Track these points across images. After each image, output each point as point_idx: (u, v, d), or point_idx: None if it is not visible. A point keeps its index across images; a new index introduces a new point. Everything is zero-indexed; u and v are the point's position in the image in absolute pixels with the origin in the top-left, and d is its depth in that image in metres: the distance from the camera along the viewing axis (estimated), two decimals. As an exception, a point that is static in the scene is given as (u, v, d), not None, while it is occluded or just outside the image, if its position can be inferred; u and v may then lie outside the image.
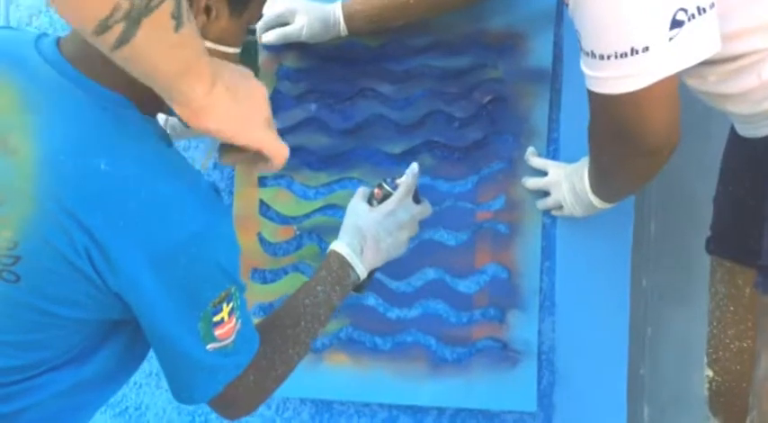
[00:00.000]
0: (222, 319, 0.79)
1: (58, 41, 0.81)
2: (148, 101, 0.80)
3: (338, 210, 1.25)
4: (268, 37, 1.18)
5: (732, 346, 1.04)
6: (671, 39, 0.76)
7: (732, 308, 1.06)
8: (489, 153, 1.21)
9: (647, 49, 0.77)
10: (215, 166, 1.30)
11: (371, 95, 1.23)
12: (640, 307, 1.34)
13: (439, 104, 1.21)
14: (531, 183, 1.17)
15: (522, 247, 1.20)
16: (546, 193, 1.16)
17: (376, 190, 1.02)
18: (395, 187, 1.02)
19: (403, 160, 1.22)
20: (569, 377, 1.20)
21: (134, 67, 0.71)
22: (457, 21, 1.19)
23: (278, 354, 0.88)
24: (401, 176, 1.02)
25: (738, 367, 1.08)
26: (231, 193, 1.28)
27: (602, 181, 1.04)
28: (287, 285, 1.24)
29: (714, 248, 1.13)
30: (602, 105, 0.85)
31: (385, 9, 1.14)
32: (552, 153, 1.19)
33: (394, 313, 1.24)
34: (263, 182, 1.27)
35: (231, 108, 0.77)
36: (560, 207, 1.14)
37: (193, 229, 0.75)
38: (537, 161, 1.17)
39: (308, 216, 1.25)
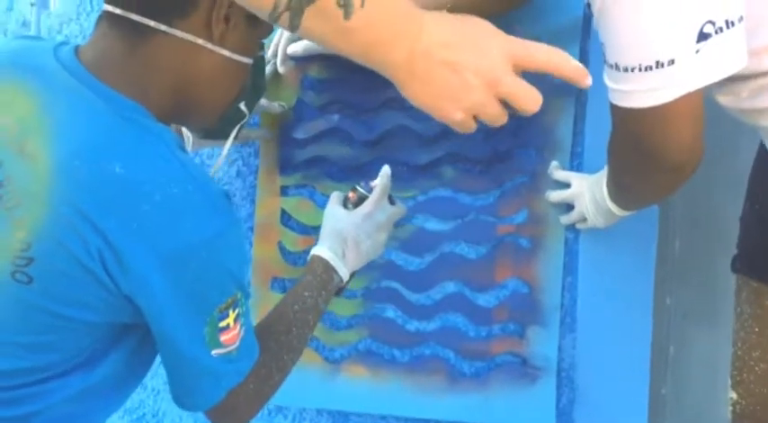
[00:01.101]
0: (228, 325, 0.80)
1: (76, 49, 0.83)
2: (164, 109, 0.82)
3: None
4: (294, 48, 1.19)
5: (757, 368, 1.02)
6: (697, 52, 0.75)
7: (758, 329, 1.04)
8: (512, 166, 1.20)
9: (672, 61, 0.75)
10: (237, 174, 1.31)
11: (395, 106, 1.23)
12: (663, 325, 1.32)
13: (462, 117, 1.20)
14: (555, 196, 1.16)
15: (544, 261, 1.19)
16: (570, 207, 1.15)
17: (350, 194, 1.04)
18: (369, 190, 1.03)
19: (425, 172, 1.22)
20: (589, 395, 1.18)
21: (326, 46, 0.69)
22: (482, 33, 1.18)
23: (274, 361, 0.88)
24: (373, 179, 1.04)
25: (763, 390, 1.06)
26: (253, 201, 1.29)
27: (621, 192, 1.02)
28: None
29: (740, 267, 1.11)
30: (625, 119, 0.84)
31: None
32: (576, 167, 1.18)
33: (413, 326, 1.23)
34: (284, 191, 1.27)
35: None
36: (584, 219, 1.13)
37: (205, 233, 0.76)
38: (560, 174, 1.16)
39: (328, 226, 1.25)
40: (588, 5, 0.82)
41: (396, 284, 1.23)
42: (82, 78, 0.79)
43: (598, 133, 1.16)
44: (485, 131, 1.19)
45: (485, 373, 1.20)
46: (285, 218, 1.27)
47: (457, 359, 1.21)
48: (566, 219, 1.16)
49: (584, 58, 1.17)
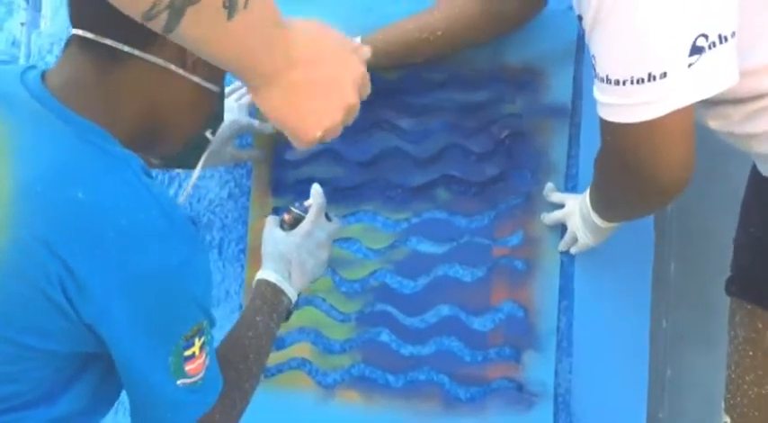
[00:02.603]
0: (193, 354, 0.78)
1: (44, 74, 0.82)
2: (131, 135, 0.81)
3: (353, 243, 1.24)
4: None
5: (750, 391, 1.01)
6: (690, 65, 0.73)
7: (751, 352, 1.02)
8: (507, 188, 1.19)
9: (664, 74, 0.74)
10: (229, 195, 1.30)
11: (388, 128, 1.22)
12: (660, 348, 1.31)
13: (456, 138, 1.20)
14: (549, 218, 1.15)
15: (540, 284, 1.17)
16: (566, 230, 1.14)
17: (286, 216, 1.04)
18: (305, 210, 1.04)
19: (419, 194, 1.21)
20: (587, 421, 1.17)
21: (194, 50, 0.70)
22: (475, 55, 1.18)
23: (236, 390, 0.87)
24: (307, 199, 1.05)
25: (756, 414, 1.04)
26: (245, 223, 1.27)
27: (605, 206, 1.02)
28: (299, 319, 1.22)
29: (735, 290, 1.10)
30: (614, 135, 0.82)
31: (404, 45, 1.14)
32: (571, 189, 1.17)
33: (407, 350, 1.21)
34: (277, 213, 1.26)
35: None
36: (576, 239, 1.12)
37: (170, 261, 0.74)
38: (556, 196, 1.15)
39: (321, 249, 1.24)
40: (580, 18, 0.81)
41: (390, 308, 1.22)
42: (47, 103, 0.78)
43: (592, 155, 1.15)
44: (479, 154, 1.20)
45: (480, 399, 1.18)
46: (278, 240, 1.25)
47: (452, 384, 1.19)
48: (562, 244, 1.15)
49: (577, 81, 1.17)
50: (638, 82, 0.75)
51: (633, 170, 0.83)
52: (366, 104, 1.21)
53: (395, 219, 1.23)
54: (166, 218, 0.75)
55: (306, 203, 1.05)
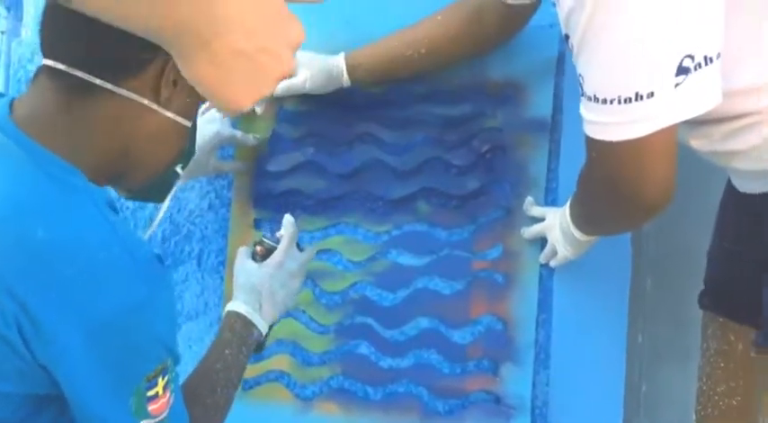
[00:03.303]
0: (156, 394, 0.76)
1: (11, 103, 0.80)
2: (98, 169, 0.79)
3: (333, 255, 1.24)
4: None
5: (721, 403, 1.02)
6: (677, 85, 0.75)
7: (723, 364, 1.04)
8: (487, 202, 1.20)
9: (651, 94, 0.75)
10: (209, 207, 1.30)
11: (370, 141, 1.23)
12: (636, 363, 1.32)
13: (437, 152, 1.21)
14: (529, 232, 1.16)
15: (519, 298, 1.18)
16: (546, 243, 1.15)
17: (257, 247, 1.04)
18: (276, 241, 1.04)
19: (400, 207, 1.22)
20: (564, 433, 1.18)
21: (102, 16, 0.63)
22: (458, 70, 1.19)
23: None
24: (278, 230, 1.04)
25: None
26: (225, 235, 1.27)
27: (587, 221, 1.03)
28: (281, 331, 1.21)
29: (707, 304, 1.12)
30: (600, 153, 0.83)
31: (388, 62, 1.15)
32: (551, 202, 1.18)
33: (386, 362, 1.21)
34: (258, 225, 1.26)
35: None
36: (556, 252, 1.13)
37: (133, 300, 0.72)
38: (536, 210, 1.16)
39: (302, 260, 1.24)
40: (566, 37, 0.82)
41: (369, 320, 1.22)
42: (11, 134, 0.76)
43: (572, 169, 1.16)
44: (460, 167, 1.21)
45: (458, 411, 1.18)
46: (258, 252, 1.25)
47: (430, 397, 1.19)
48: (542, 256, 1.16)
49: (557, 96, 1.19)
50: (625, 101, 0.76)
51: (617, 187, 0.84)
52: (348, 117, 1.24)
53: (375, 231, 1.23)
54: (129, 255, 0.74)
55: (278, 234, 1.05)
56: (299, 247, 1.06)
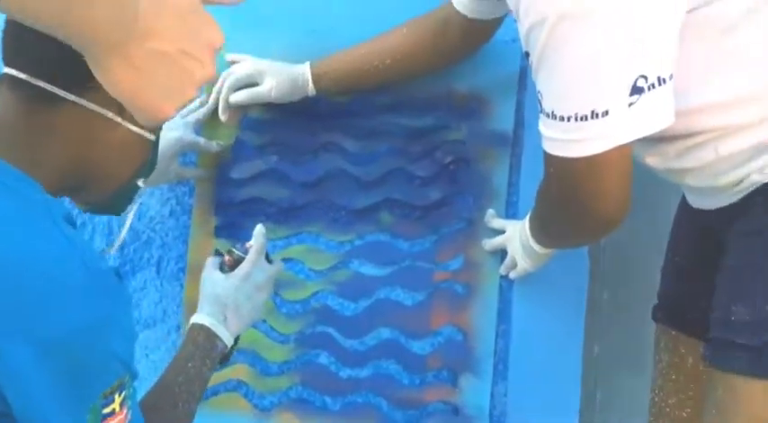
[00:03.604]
0: (113, 411, 0.74)
1: None
2: (56, 181, 0.77)
3: (295, 264, 1.23)
4: (237, 97, 1.18)
5: (672, 414, 1.05)
6: (630, 105, 0.77)
7: (674, 376, 1.06)
8: (449, 213, 1.21)
9: (606, 113, 0.77)
10: (170, 213, 1.28)
11: (334, 150, 1.23)
12: (592, 373, 1.34)
13: (401, 162, 1.22)
14: (490, 244, 1.18)
15: (479, 309, 1.19)
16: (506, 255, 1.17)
17: (226, 257, 1.03)
18: (245, 251, 1.02)
19: (363, 216, 1.22)
20: (521, 443, 1.19)
21: (16, 15, 0.62)
22: (422, 82, 1.20)
23: None
24: (249, 241, 1.03)
25: None
26: (185, 242, 1.26)
27: (545, 234, 1.05)
28: (240, 340, 1.20)
29: (660, 317, 1.15)
30: (557, 168, 0.85)
31: (353, 73, 1.16)
32: (511, 215, 1.20)
33: (346, 372, 1.21)
34: (218, 232, 1.25)
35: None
36: (516, 264, 1.14)
37: (89, 318, 0.70)
38: (497, 222, 1.18)
39: (263, 269, 1.23)
40: (526, 55, 0.84)
41: (330, 330, 1.22)
42: None
43: (533, 183, 1.18)
44: (423, 178, 1.22)
45: (417, 422, 1.19)
46: (219, 259, 1.24)
47: (389, 407, 1.20)
48: (502, 268, 1.17)
49: (519, 110, 1.20)
50: (581, 119, 0.78)
51: (573, 202, 0.86)
52: (313, 126, 1.23)
53: (338, 240, 1.23)
54: (85, 271, 0.71)
55: (247, 245, 1.03)
56: (269, 259, 1.05)
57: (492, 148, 1.20)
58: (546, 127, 0.83)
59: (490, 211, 1.19)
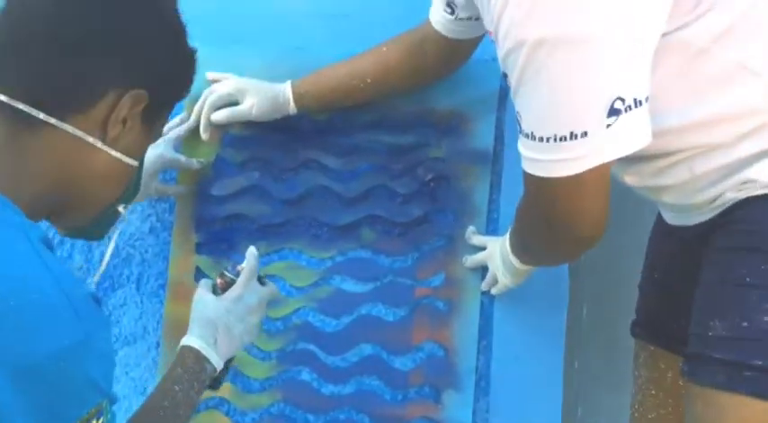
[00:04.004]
0: None
1: None
2: (35, 205, 0.77)
3: (277, 281, 1.23)
4: (218, 116, 1.18)
5: None
6: (608, 126, 0.78)
7: (654, 392, 1.07)
8: (430, 230, 1.22)
9: (585, 134, 0.78)
10: (150, 230, 1.28)
11: (316, 167, 1.24)
12: (572, 388, 1.35)
13: (382, 179, 1.22)
14: (471, 261, 1.19)
15: (460, 325, 1.20)
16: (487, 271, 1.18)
17: (218, 280, 1.02)
18: (237, 273, 1.01)
19: (344, 233, 1.23)
20: (503, 459, 1.19)
21: None
22: (403, 100, 1.22)
23: None
24: (241, 263, 1.02)
25: None
26: (165, 258, 1.25)
27: (524, 251, 1.06)
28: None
29: (639, 332, 1.16)
30: (537, 187, 0.86)
31: (334, 91, 1.17)
32: (492, 232, 1.21)
33: (328, 389, 1.21)
34: (199, 249, 1.24)
35: None
36: (496, 281, 1.15)
37: (65, 343, 0.69)
38: (477, 239, 1.19)
39: (244, 285, 1.23)
40: (505, 76, 0.85)
41: (312, 346, 1.22)
42: None
43: (513, 200, 1.19)
44: (404, 195, 1.22)
45: (399, 439, 1.19)
46: (199, 276, 1.23)
47: (372, 424, 1.20)
48: (483, 284, 1.18)
49: (499, 128, 1.22)
50: (560, 140, 0.79)
51: (552, 220, 0.87)
52: (294, 143, 1.24)
53: (319, 257, 1.23)
54: (62, 295, 0.70)
55: (239, 267, 1.02)
56: (261, 281, 1.04)
57: (472, 166, 1.21)
58: (525, 147, 0.84)
59: (470, 228, 1.19)
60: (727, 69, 0.84)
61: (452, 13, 1.07)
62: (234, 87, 1.18)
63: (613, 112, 0.78)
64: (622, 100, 0.78)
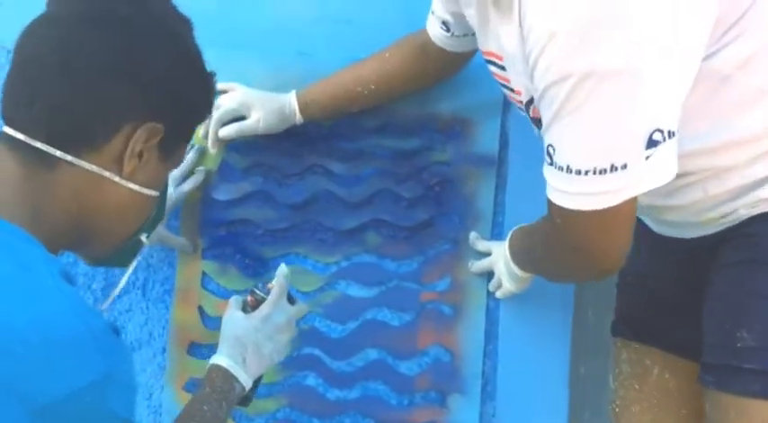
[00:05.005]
0: None
1: None
2: (56, 238, 0.77)
3: (282, 285, 1.23)
4: (225, 132, 1.18)
5: (634, 419, 1.05)
6: (647, 158, 0.78)
7: (637, 387, 1.08)
8: (435, 234, 1.22)
9: (625, 166, 0.78)
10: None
11: (320, 172, 1.24)
12: (578, 392, 1.34)
13: (387, 184, 1.22)
14: (477, 266, 1.19)
15: (466, 329, 1.20)
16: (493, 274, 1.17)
17: (249, 297, 1.02)
18: (267, 292, 1.01)
19: (349, 238, 1.23)
20: (510, 464, 1.19)
21: None
22: (408, 104, 1.22)
23: None
24: (272, 281, 1.02)
25: None
26: (172, 264, 1.25)
27: (539, 273, 1.06)
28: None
29: (623, 331, 1.15)
30: (566, 219, 0.85)
31: (339, 99, 1.17)
32: (497, 235, 1.21)
33: (333, 394, 1.21)
34: (205, 254, 1.24)
35: None
36: (501, 285, 1.15)
37: (87, 379, 0.70)
38: (482, 244, 1.19)
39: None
40: (527, 104, 0.84)
41: (317, 351, 1.21)
42: None
43: (518, 203, 1.21)
44: (409, 199, 1.22)
45: (406, 443, 1.19)
46: (206, 281, 1.23)
47: (378, 429, 1.19)
48: (491, 285, 1.18)
49: (504, 132, 1.22)
50: (600, 173, 0.79)
51: (580, 251, 0.87)
52: (299, 148, 1.24)
53: (325, 262, 1.23)
54: (85, 330, 0.71)
55: (269, 285, 1.02)
56: (291, 300, 1.03)
57: (477, 170, 1.21)
58: (557, 180, 0.83)
59: (473, 234, 1.20)
60: (748, 94, 0.85)
61: (448, 30, 1.08)
62: (239, 101, 1.18)
63: (652, 143, 0.78)
64: (661, 132, 0.78)
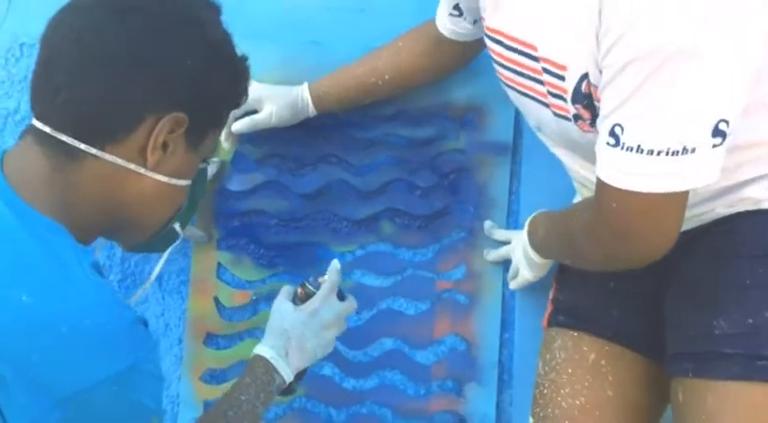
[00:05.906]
0: None
1: (3, 157, 0.79)
2: (88, 230, 0.78)
3: (296, 275, 1.23)
4: (238, 126, 1.18)
5: (564, 403, 1.04)
6: (714, 146, 0.78)
7: (570, 370, 1.06)
8: (450, 222, 1.21)
9: (694, 150, 0.77)
10: (171, 227, 1.28)
11: (334, 161, 1.23)
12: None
13: (401, 173, 1.22)
14: (494, 255, 1.18)
15: (482, 318, 1.20)
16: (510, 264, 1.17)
17: (299, 289, 1.01)
18: (318, 286, 1.00)
19: (364, 227, 1.22)
20: (527, 453, 1.18)
21: None
22: (421, 93, 1.21)
23: None
24: (324, 275, 1.01)
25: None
26: (187, 255, 1.25)
27: (571, 261, 1.04)
28: (241, 352, 1.20)
29: (564, 321, 1.12)
30: (624, 203, 0.83)
31: (353, 91, 1.16)
32: (512, 224, 1.21)
33: (350, 383, 1.21)
34: (220, 244, 1.25)
35: None
36: (517, 274, 1.14)
37: (115, 368, 0.71)
38: (499, 233, 1.18)
39: (264, 281, 1.23)
40: (584, 77, 0.82)
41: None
42: (2, 192, 0.75)
43: (533, 192, 1.20)
44: (423, 188, 1.22)
45: (422, 433, 1.19)
46: (221, 271, 1.24)
47: (395, 418, 1.20)
48: (509, 277, 1.17)
49: (518, 120, 1.21)
50: (673, 153, 0.78)
51: (625, 237, 0.85)
52: (313, 138, 1.24)
53: (340, 251, 1.23)
54: (113, 321, 0.72)
55: (320, 279, 1.01)
56: (341, 296, 1.01)
57: (491, 158, 1.21)
58: (623, 161, 0.80)
59: (488, 223, 1.19)
60: (749, 105, 0.83)
61: (460, 14, 1.06)
62: (251, 96, 1.16)
63: (717, 132, 0.77)
64: (727, 122, 0.77)
